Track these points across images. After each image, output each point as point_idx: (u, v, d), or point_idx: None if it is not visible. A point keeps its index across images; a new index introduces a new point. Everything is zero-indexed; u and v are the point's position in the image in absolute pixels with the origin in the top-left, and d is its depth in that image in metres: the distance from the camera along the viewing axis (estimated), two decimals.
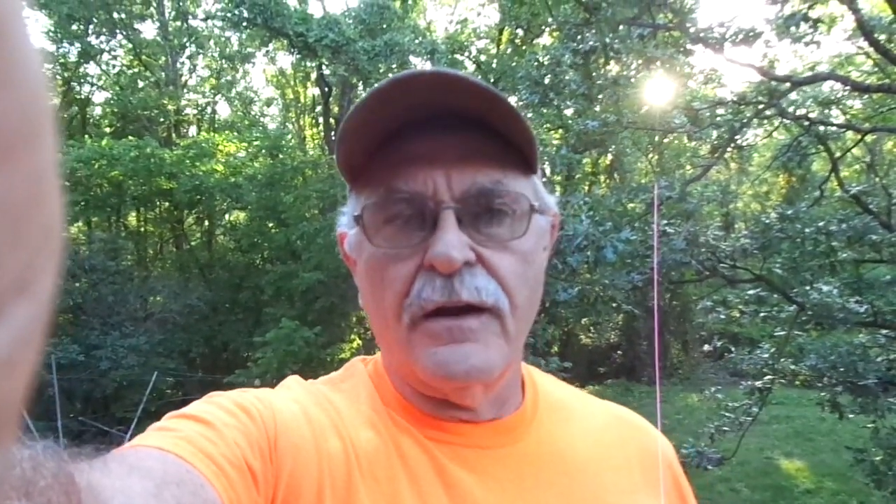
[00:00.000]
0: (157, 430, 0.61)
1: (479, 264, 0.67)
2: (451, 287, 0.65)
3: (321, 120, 19.92)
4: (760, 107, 6.43)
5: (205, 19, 18.90)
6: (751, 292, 6.85)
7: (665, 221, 5.98)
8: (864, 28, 5.58)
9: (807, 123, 6.76)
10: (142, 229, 18.64)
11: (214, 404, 0.67)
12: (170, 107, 18.93)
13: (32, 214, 0.18)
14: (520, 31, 17.14)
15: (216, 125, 20.55)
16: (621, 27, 6.02)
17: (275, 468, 0.63)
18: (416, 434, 0.71)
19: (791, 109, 6.89)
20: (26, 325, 0.18)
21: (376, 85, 0.64)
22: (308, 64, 17.08)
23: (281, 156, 16.83)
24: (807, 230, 5.66)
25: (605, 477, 0.75)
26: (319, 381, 0.81)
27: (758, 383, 6.27)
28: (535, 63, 6.59)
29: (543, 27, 15.31)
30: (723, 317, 7.83)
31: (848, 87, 6.94)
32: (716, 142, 7.46)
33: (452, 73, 0.64)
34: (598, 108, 7.28)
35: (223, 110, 22.29)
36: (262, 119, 22.10)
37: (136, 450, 0.57)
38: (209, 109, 21.37)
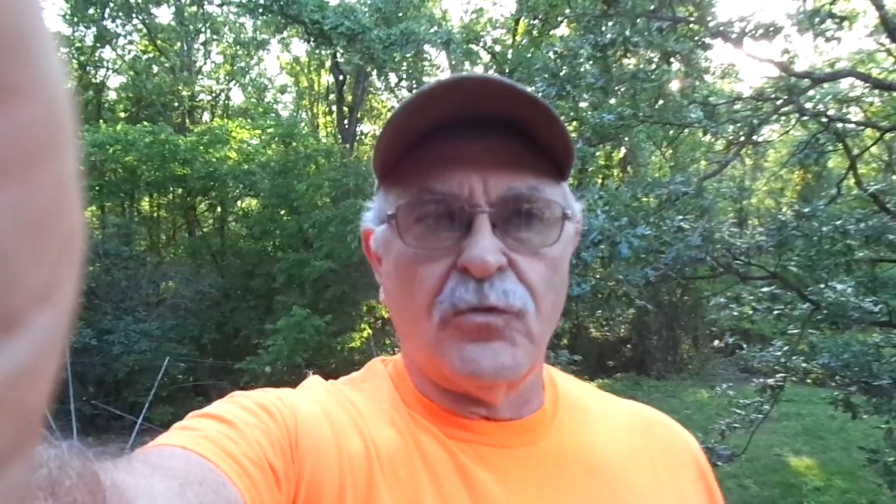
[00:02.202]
0: (179, 430, 0.62)
1: (509, 269, 0.67)
2: (482, 291, 0.65)
3: (335, 108, 19.91)
4: (779, 103, 6.37)
5: (220, 5, 18.88)
6: (765, 290, 6.81)
7: (680, 217, 5.95)
8: (888, 25, 5.50)
9: (825, 120, 6.68)
10: (155, 215, 18.73)
11: (236, 404, 0.67)
12: (184, 93, 18.99)
13: (54, 225, 0.18)
14: (536, 22, 17.02)
15: (230, 112, 20.60)
16: (640, 20, 5.96)
17: (296, 467, 0.63)
18: (436, 433, 0.71)
19: (809, 106, 6.81)
20: (48, 334, 0.18)
21: (422, 87, 0.64)
22: (323, 52, 17.06)
23: (294, 144, 16.86)
24: (824, 229, 5.60)
25: (629, 477, 0.74)
26: (340, 381, 0.81)
27: (770, 381, 6.24)
28: (553, 55, 6.55)
29: (561, 18, 15.20)
30: (735, 313, 7.79)
31: (868, 85, 6.85)
32: (731, 137, 7.40)
33: (496, 79, 0.64)
34: (613, 101, 7.23)
35: (237, 97, 22.36)
36: (275, 106, 22.13)
37: (159, 449, 0.57)
38: (223, 96, 21.42)
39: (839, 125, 6.85)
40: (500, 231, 0.67)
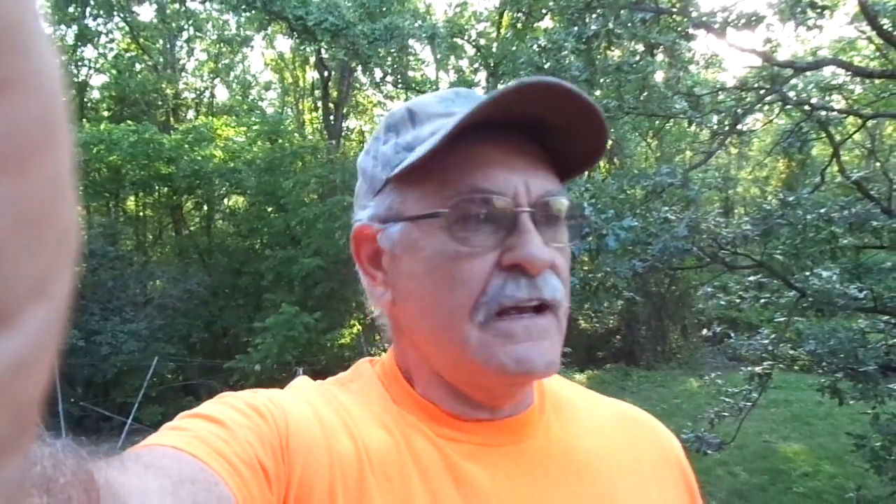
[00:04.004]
0: (170, 430, 0.62)
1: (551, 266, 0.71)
2: (535, 286, 0.68)
3: (320, 104, 19.83)
4: (762, 92, 6.41)
5: (203, 1, 18.76)
6: (751, 278, 6.86)
7: (666, 208, 5.98)
8: (868, 13, 5.54)
9: (808, 109, 6.74)
10: (140, 214, 18.60)
11: (226, 404, 0.67)
12: (168, 91, 18.85)
13: (50, 219, 0.19)
14: (520, 15, 17.01)
15: (214, 109, 20.46)
16: (623, 11, 5.98)
17: (287, 468, 0.63)
18: (426, 432, 0.71)
19: (792, 95, 6.87)
20: (43, 329, 0.19)
21: (501, 89, 0.64)
22: (307, 48, 16.98)
23: (280, 140, 16.79)
24: (808, 217, 5.65)
25: (615, 474, 0.75)
26: (328, 381, 0.81)
27: (757, 369, 6.29)
28: (537, 47, 6.56)
29: (545, 11, 15.19)
30: (722, 302, 7.85)
31: (850, 73, 6.91)
32: (716, 127, 7.44)
33: (561, 84, 0.66)
34: (598, 93, 7.25)
35: (221, 94, 22.21)
36: (260, 103, 22.01)
37: (151, 449, 0.58)
38: (207, 93, 21.28)
39: (822, 113, 6.91)
40: (540, 230, 0.69)
